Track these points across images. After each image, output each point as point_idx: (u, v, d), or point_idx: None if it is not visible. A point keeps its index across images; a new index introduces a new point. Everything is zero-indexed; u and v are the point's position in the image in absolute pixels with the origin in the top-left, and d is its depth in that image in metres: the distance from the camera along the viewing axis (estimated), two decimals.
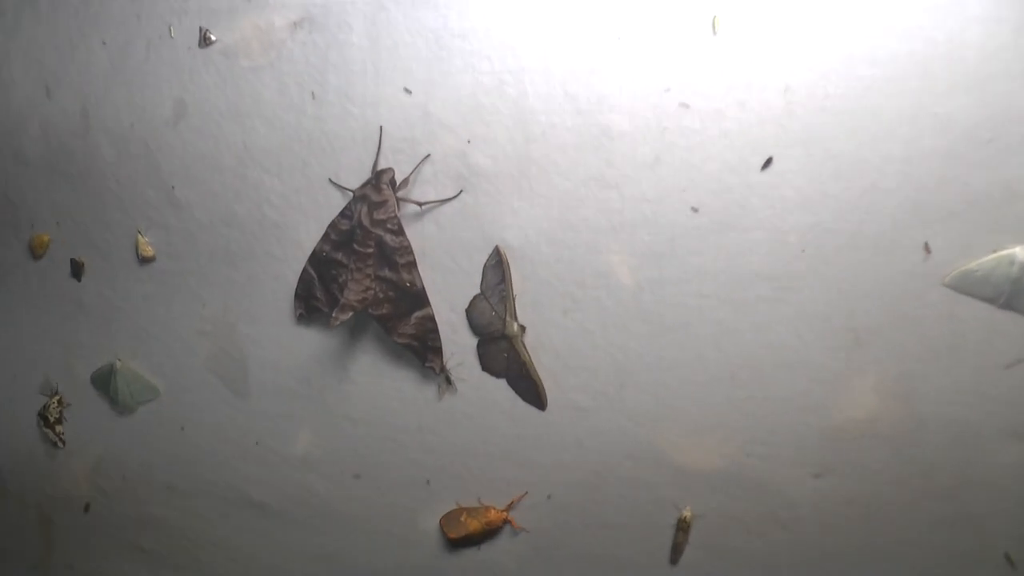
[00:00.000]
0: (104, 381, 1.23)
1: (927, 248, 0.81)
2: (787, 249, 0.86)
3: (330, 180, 1.04)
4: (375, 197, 0.97)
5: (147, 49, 1.11)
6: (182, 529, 1.22)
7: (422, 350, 1.01)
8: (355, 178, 1.02)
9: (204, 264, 1.14)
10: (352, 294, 0.99)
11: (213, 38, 1.07)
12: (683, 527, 0.94)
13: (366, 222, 0.98)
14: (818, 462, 0.89)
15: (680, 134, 0.88)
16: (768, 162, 0.85)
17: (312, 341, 1.10)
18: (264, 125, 1.06)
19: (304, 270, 1.05)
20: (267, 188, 1.08)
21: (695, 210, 0.89)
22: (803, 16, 0.83)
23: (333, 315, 0.98)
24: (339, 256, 1.02)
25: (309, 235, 1.06)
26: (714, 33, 0.86)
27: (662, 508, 0.96)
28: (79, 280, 1.22)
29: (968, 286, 0.81)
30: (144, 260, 1.17)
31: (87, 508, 1.28)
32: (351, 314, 0.99)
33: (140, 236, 1.16)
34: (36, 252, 1.25)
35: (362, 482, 1.10)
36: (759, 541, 0.93)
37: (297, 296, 1.07)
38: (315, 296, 1.05)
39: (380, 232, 0.98)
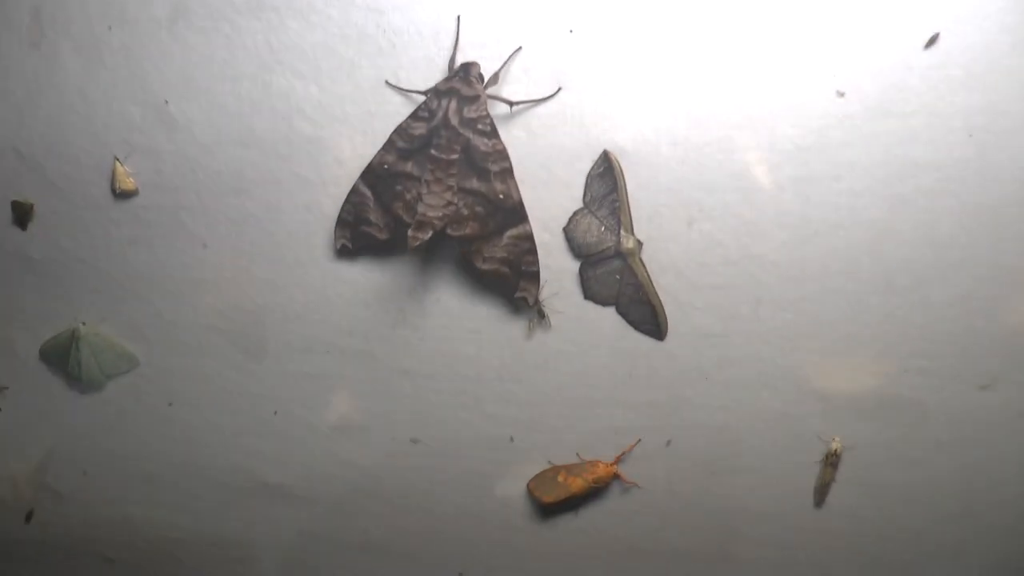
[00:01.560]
0: (60, 353, 0.98)
1: None
2: (952, 135, 0.78)
3: (387, 83, 0.87)
4: (466, 91, 0.81)
5: None
6: (166, 529, 0.99)
7: (513, 278, 0.85)
8: (421, 81, 0.86)
9: (206, 196, 0.93)
10: (431, 209, 0.82)
11: None
12: (831, 462, 0.83)
13: (454, 121, 0.81)
14: (986, 371, 0.81)
15: (832, 9, 0.78)
16: (933, 39, 0.77)
17: (356, 280, 0.91)
18: (298, 20, 0.88)
19: (353, 190, 0.87)
20: (299, 97, 0.89)
21: (841, 95, 0.79)
22: None
23: (410, 234, 0.81)
24: (408, 167, 0.84)
25: (355, 151, 0.89)
26: None
27: (805, 443, 0.84)
28: (23, 228, 0.97)
29: None
30: (122, 195, 0.94)
31: (29, 517, 1.02)
32: (431, 233, 0.82)
33: (118, 165, 0.93)
34: None
35: (421, 448, 0.92)
36: (917, 470, 0.83)
37: (341, 223, 0.88)
38: (368, 220, 0.87)
39: (470, 134, 0.82)
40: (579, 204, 0.85)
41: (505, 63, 0.84)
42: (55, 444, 1.01)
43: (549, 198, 0.86)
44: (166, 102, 0.92)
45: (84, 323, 0.97)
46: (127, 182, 0.94)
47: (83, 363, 0.97)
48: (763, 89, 0.80)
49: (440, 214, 0.83)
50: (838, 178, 0.80)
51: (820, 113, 0.80)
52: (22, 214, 0.97)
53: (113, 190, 0.94)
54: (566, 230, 0.86)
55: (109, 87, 0.93)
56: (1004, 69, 0.77)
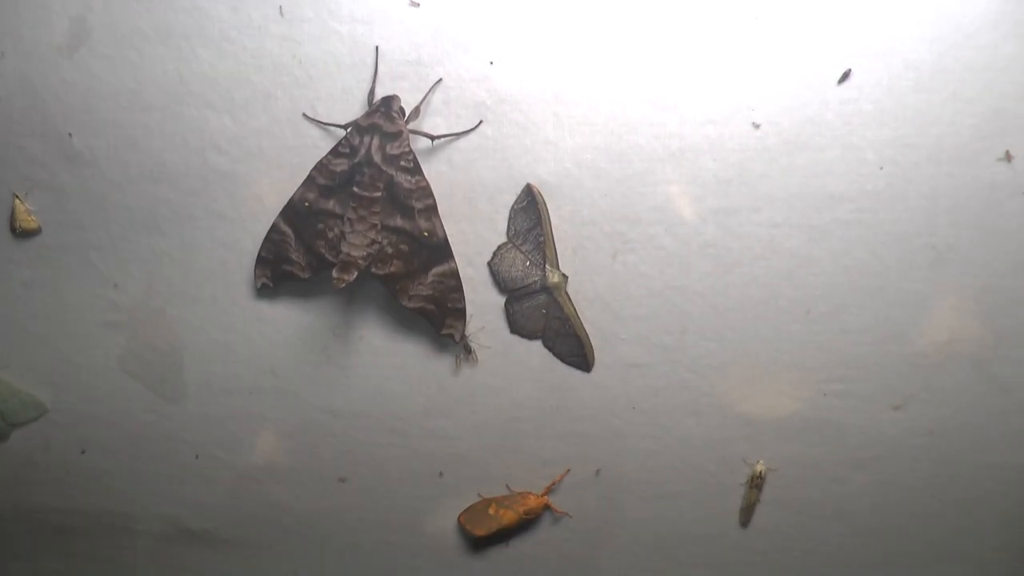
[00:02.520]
0: None
1: (1008, 156, 0.79)
2: (864, 167, 0.81)
3: (305, 115, 0.85)
4: (388, 127, 0.80)
5: None
6: None
7: (439, 315, 0.85)
8: (339, 113, 0.84)
9: (116, 234, 0.89)
10: (355, 249, 0.81)
11: None
12: (756, 483, 0.85)
13: (377, 158, 0.80)
14: (899, 392, 0.84)
15: (748, 46, 0.80)
16: (846, 75, 0.79)
17: (277, 319, 0.89)
18: (209, 50, 0.85)
19: (273, 228, 0.85)
20: (212, 130, 0.86)
21: (756, 126, 0.81)
22: None
23: (335, 275, 0.79)
24: (330, 205, 0.83)
25: (273, 186, 0.86)
26: None
27: (730, 467, 0.87)
28: None
29: None
30: (23, 234, 0.89)
31: None
32: (356, 274, 0.80)
33: (18, 202, 0.89)
34: None
35: (349, 486, 0.91)
36: (837, 487, 0.86)
37: (261, 261, 0.86)
38: (289, 259, 0.85)
39: (393, 171, 0.80)
40: (503, 238, 0.85)
41: (425, 96, 0.83)
42: None
43: (473, 232, 0.85)
44: (69, 135, 0.87)
45: None
46: (28, 220, 0.89)
47: None
48: (684, 123, 0.81)
49: (364, 253, 0.81)
50: (758, 209, 0.82)
51: (739, 146, 0.81)
52: None
53: (13, 229, 0.89)
54: (491, 264, 0.85)
55: (5, 119, 0.88)
56: (911, 104, 0.80)
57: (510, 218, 0.84)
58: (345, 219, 0.82)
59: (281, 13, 0.84)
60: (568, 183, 0.83)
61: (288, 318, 0.88)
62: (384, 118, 0.80)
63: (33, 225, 0.89)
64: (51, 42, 0.86)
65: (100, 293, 0.90)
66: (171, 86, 0.86)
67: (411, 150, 0.81)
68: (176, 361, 0.91)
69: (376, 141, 0.80)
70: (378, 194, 0.81)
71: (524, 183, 0.84)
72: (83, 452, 0.93)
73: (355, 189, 0.81)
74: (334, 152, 0.82)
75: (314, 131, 0.85)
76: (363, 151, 0.80)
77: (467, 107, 0.83)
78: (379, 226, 0.82)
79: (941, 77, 0.79)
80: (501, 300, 0.86)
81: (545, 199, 0.83)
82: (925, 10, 0.79)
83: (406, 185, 0.81)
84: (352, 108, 0.84)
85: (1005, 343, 0.83)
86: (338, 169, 0.82)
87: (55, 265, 0.90)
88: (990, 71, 0.79)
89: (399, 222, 0.82)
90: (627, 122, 0.82)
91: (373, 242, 0.82)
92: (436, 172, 0.84)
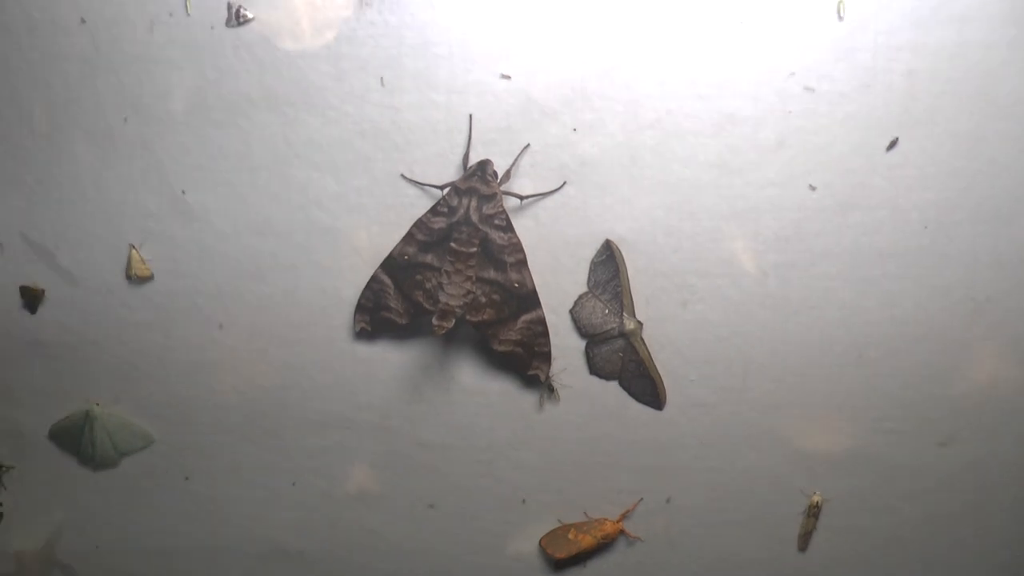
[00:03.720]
0: (73, 434, 1.01)
1: None
2: (910, 226, 0.90)
3: (403, 176, 0.93)
4: (485, 190, 0.88)
5: (150, 29, 0.94)
6: None
7: (526, 357, 0.93)
8: (434, 174, 0.93)
9: (222, 281, 0.97)
10: (452, 299, 0.89)
11: (248, 15, 0.93)
12: (813, 513, 0.94)
13: (475, 218, 0.89)
14: (943, 430, 0.93)
15: (804, 118, 0.89)
16: (894, 143, 0.88)
17: (372, 360, 0.97)
18: (314, 116, 0.94)
19: (373, 278, 0.93)
20: (316, 188, 0.95)
21: (813, 188, 0.90)
22: (925, 3, 0.87)
23: (435, 323, 0.88)
24: (428, 259, 0.91)
25: (371, 240, 0.95)
26: (840, 19, 0.88)
27: (788, 497, 0.95)
28: (33, 312, 1.00)
29: None
30: (137, 280, 0.98)
31: None
32: (454, 321, 0.89)
33: (134, 251, 0.97)
34: None
35: (437, 512, 0.99)
36: (887, 516, 0.94)
37: (360, 308, 0.94)
38: (388, 306, 0.93)
39: (488, 229, 0.89)
40: (584, 288, 0.93)
41: (515, 160, 0.91)
42: (65, 521, 1.03)
43: (556, 283, 0.94)
44: (183, 192, 0.96)
45: (98, 404, 1.00)
46: (142, 268, 0.97)
47: (96, 442, 1.00)
48: (747, 185, 0.90)
49: (461, 303, 0.90)
50: (814, 264, 0.91)
51: (797, 207, 0.90)
52: (32, 298, 0.99)
53: (128, 275, 0.98)
54: (572, 312, 0.94)
55: (124, 177, 0.96)
56: (953, 169, 0.89)
57: (590, 270, 0.93)
58: (443, 271, 0.90)
59: (382, 83, 0.92)
60: (643, 239, 0.92)
61: (383, 359, 0.97)
62: (480, 181, 0.89)
63: (147, 273, 0.97)
64: (169, 108, 0.95)
65: (205, 334, 0.98)
66: (278, 148, 0.94)
67: (504, 209, 0.90)
68: (275, 397, 0.99)
69: (473, 202, 0.89)
70: (474, 249, 0.89)
71: (603, 239, 0.92)
72: (186, 479, 1.01)
73: (453, 245, 0.89)
74: (433, 211, 0.91)
75: (410, 190, 0.94)
76: (461, 211, 0.89)
77: (552, 169, 0.92)
78: (474, 278, 0.90)
79: (979, 145, 0.88)
80: (581, 344, 0.94)
81: (622, 253, 0.92)
82: (965, 85, 0.88)
83: (499, 241, 0.90)
84: (447, 170, 0.93)
85: None
86: (436, 226, 0.90)
87: (165, 309, 0.98)
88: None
89: (492, 274, 0.91)
90: (696, 184, 0.91)
91: (469, 292, 0.90)
92: (524, 228, 0.92)
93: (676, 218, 0.92)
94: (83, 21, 0.95)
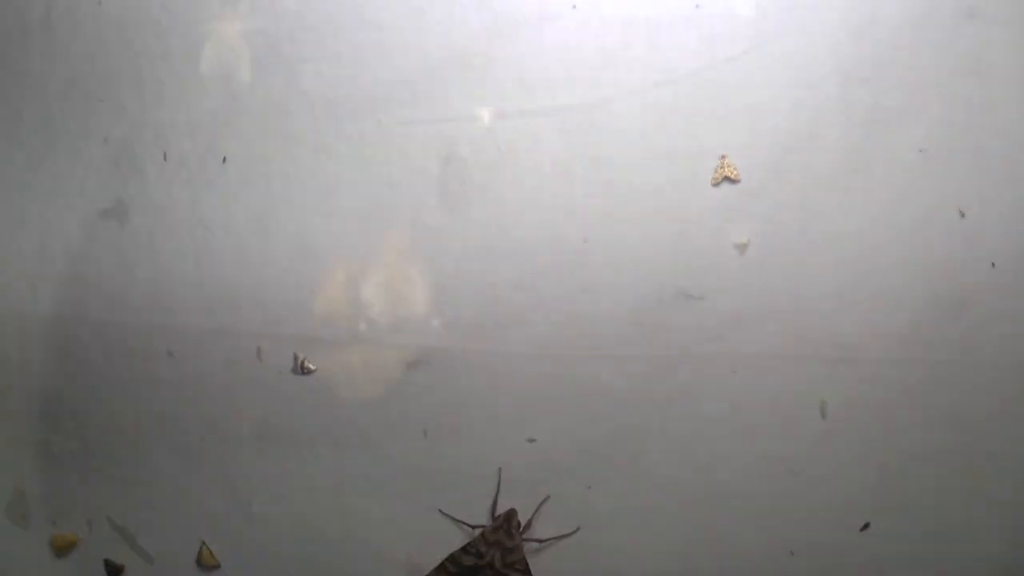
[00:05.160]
0: None
1: None
2: None
3: (441, 511, 1.08)
4: (509, 543, 1.03)
5: (226, 367, 1.09)
6: None
7: None
8: (466, 512, 1.07)
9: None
10: None
11: (312, 367, 1.08)
12: None
13: (498, 565, 1.04)
14: None
15: None
16: (866, 526, 1.01)
17: None
18: (365, 454, 1.08)
19: None
20: (364, 512, 1.10)
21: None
22: None
23: None
24: None
25: (410, 559, 1.09)
26: None
27: None
28: None
29: None
30: (205, 567, 1.14)
31: None
32: None
33: (204, 546, 1.13)
34: (58, 550, 1.17)
35: None
36: None
37: None
38: None
39: (509, 572, 1.04)
40: None
41: (536, 511, 1.05)
42: None
43: None
44: (249, 503, 1.11)
45: None
46: (211, 559, 1.13)
47: None
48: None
49: None
50: None
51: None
52: (114, 571, 1.16)
53: (198, 562, 1.14)
54: None
55: (201, 489, 1.12)
56: None
57: None
58: None
59: (425, 435, 1.07)
60: None
61: None
62: (506, 535, 1.03)
63: (215, 562, 1.13)
64: (238, 434, 1.10)
65: None
66: (333, 478, 1.09)
67: (524, 556, 1.05)
68: None
69: (499, 554, 1.04)
70: None
71: None
72: None
73: None
74: (464, 549, 1.06)
75: (443, 522, 1.08)
76: (488, 558, 1.04)
77: (567, 516, 1.06)
78: None
79: None
80: None
81: None
82: None
83: None
84: (476, 510, 1.07)
85: None
86: (466, 563, 1.05)
87: None
88: None
89: None
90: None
91: None
92: (540, 567, 1.06)
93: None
94: (170, 354, 1.10)
